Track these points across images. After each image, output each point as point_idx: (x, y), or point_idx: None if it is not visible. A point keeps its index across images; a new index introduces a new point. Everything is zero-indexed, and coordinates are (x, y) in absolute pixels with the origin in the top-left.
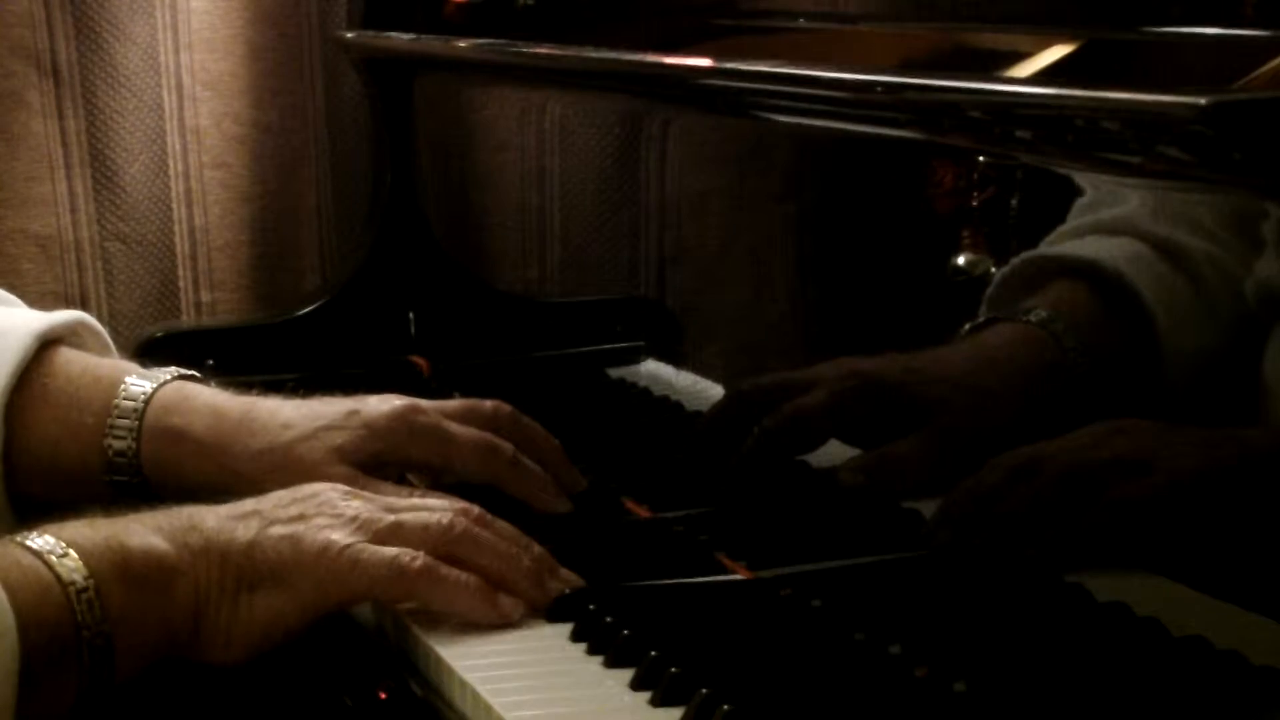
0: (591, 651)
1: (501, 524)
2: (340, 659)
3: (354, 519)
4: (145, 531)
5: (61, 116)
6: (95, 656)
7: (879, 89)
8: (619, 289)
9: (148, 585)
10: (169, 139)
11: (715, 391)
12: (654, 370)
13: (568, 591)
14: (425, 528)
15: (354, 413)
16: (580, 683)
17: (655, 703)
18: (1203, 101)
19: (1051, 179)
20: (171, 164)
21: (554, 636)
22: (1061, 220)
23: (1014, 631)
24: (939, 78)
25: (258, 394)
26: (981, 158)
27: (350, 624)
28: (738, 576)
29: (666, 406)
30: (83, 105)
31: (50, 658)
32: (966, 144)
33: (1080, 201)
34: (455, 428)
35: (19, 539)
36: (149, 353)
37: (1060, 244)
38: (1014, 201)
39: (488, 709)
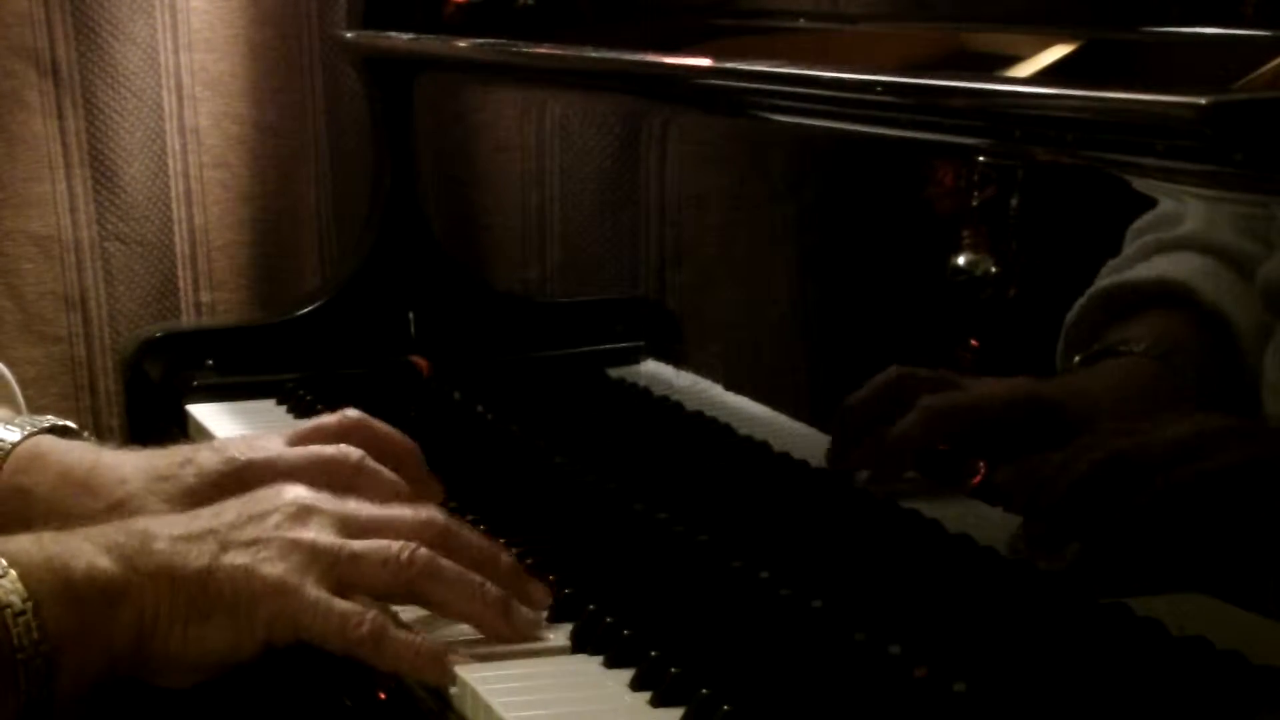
0: (591, 651)
1: (469, 535)
2: (340, 659)
3: (311, 548)
4: (94, 551)
5: (61, 116)
6: (32, 678)
7: (879, 89)
8: (619, 289)
9: (90, 606)
10: (169, 139)
11: (715, 391)
12: (654, 370)
13: (535, 611)
14: (385, 563)
15: (187, 462)
16: (580, 683)
17: (655, 703)
18: (1203, 101)
19: (1051, 179)
20: (171, 164)
21: (554, 636)
22: (1062, 220)
23: (1014, 631)
24: (939, 78)
25: (114, 446)
26: (981, 158)
27: None
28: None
29: (666, 406)
30: (82, 105)
31: None
32: (966, 144)
33: (1137, 224)
34: (289, 454)
35: None
36: (149, 353)
37: (1128, 271)
38: (1014, 201)
39: (487, 709)
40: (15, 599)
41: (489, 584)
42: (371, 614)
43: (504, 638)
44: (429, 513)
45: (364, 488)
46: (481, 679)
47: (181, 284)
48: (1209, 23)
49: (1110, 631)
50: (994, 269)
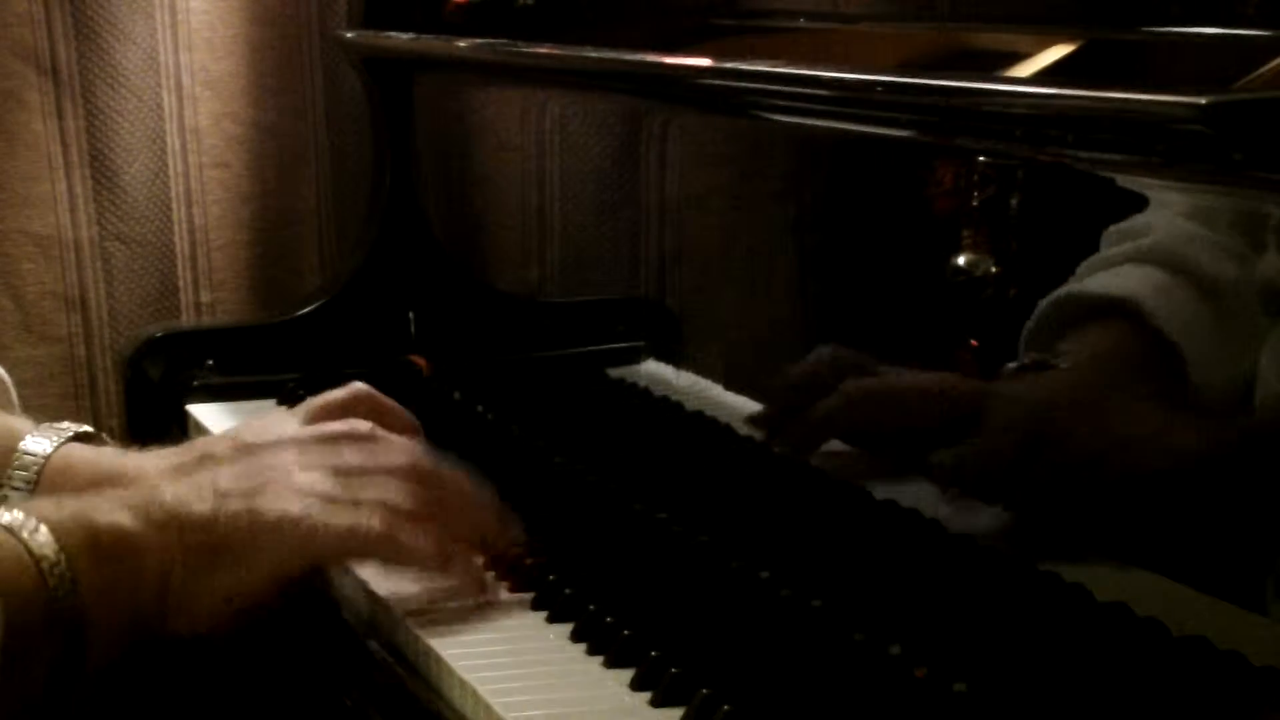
0: (591, 651)
1: (448, 474)
2: (340, 659)
3: (310, 490)
4: (111, 508)
5: (61, 116)
6: (67, 630)
7: (879, 89)
8: (619, 289)
9: (115, 560)
10: (169, 139)
11: (715, 391)
12: (654, 370)
13: (529, 562)
14: (382, 504)
15: (206, 457)
16: (580, 683)
17: (655, 703)
18: (1203, 101)
19: (1051, 179)
20: (171, 164)
21: (554, 636)
22: (1061, 219)
23: (1014, 631)
24: (939, 78)
25: (136, 450)
26: (981, 158)
27: (349, 624)
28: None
29: (666, 406)
30: (82, 105)
31: (26, 632)
32: (966, 144)
33: (1111, 230)
34: (301, 434)
35: None
36: (149, 353)
37: (1092, 277)
38: (1014, 201)
39: (487, 709)
40: (49, 551)
41: (450, 553)
42: (377, 516)
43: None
44: (414, 454)
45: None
46: (481, 678)
47: (181, 284)
48: (1209, 23)
49: (1110, 631)
50: (994, 269)
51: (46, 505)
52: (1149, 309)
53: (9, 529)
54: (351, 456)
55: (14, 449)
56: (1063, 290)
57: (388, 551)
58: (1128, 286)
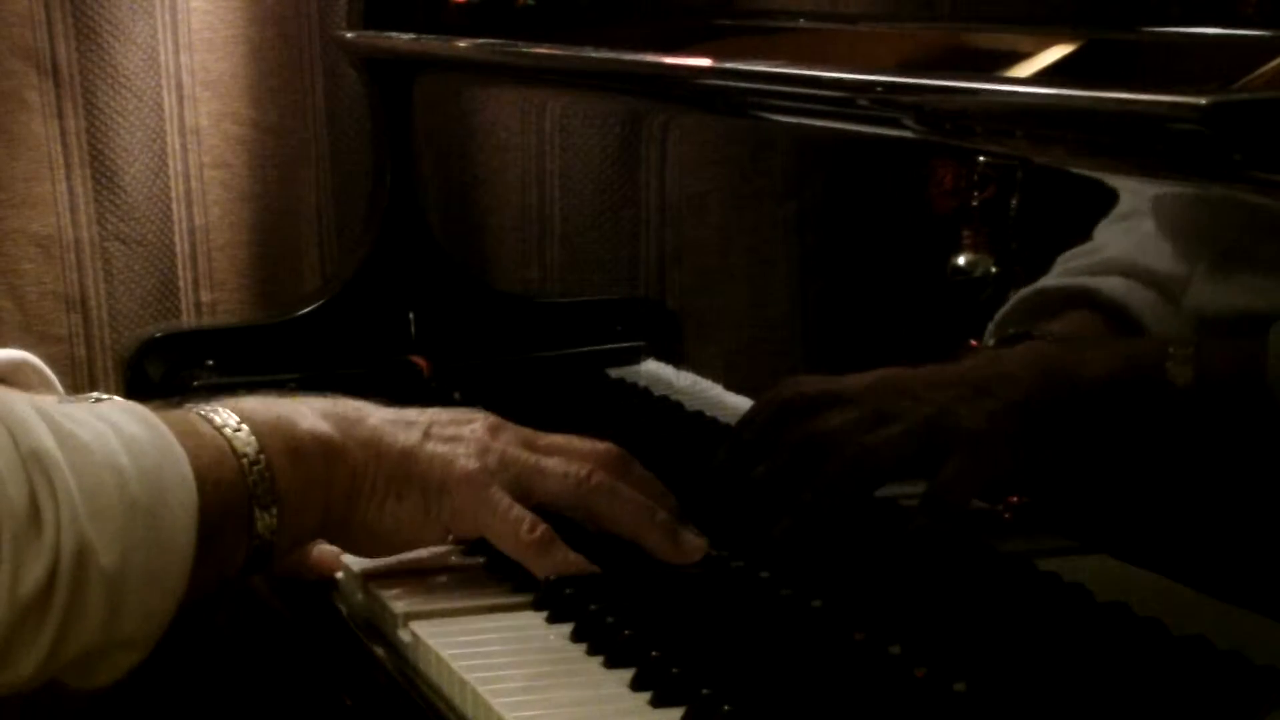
0: (591, 651)
1: (640, 470)
2: (340, 659)
3: (502, 454)
4: (314, 416)
5: (61, 116)
6: (263, 525)
7: (879, 89)
8: (619, 289)
9: (313, 465)
10: (169, 139)
11: (715, 391)
12: (654, 370)
13: (699, 548)
14: (566, 476)
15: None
16: (580, 683)
17: (655, 703)
18: (1203, 101)
19: (1051, 179)
20: (171, 164)
21: (554, 637)
22: (1061, 219)
23: (1014, 631)
24: (939, 78)
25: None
26: (981, 158)
27: (349, 624)
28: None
29: (666, 406)
30: (82, 105)
31: (224, 518)
32: (966, 144)
33: (1066, 254)
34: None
35: (200, 410)
36: (149, 353)
37: (1053, 278)
38: (1014, 201)
39: (488, 709)
40: (251, 450)
41: (659, 509)
42: (543, 525)
43: (669, 557)
44: (607, 444)
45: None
46: (481, 678)
47: (181, 284)
48: (1209, 23)
49: (1110, 631)
50: (994, 269)
51: (254, 405)
52: (1123, 302)
53: (216, 427)
54: (542, 433)
55: None
56: (1031, 288)
57: (535, 557)
58: (1099, 283)
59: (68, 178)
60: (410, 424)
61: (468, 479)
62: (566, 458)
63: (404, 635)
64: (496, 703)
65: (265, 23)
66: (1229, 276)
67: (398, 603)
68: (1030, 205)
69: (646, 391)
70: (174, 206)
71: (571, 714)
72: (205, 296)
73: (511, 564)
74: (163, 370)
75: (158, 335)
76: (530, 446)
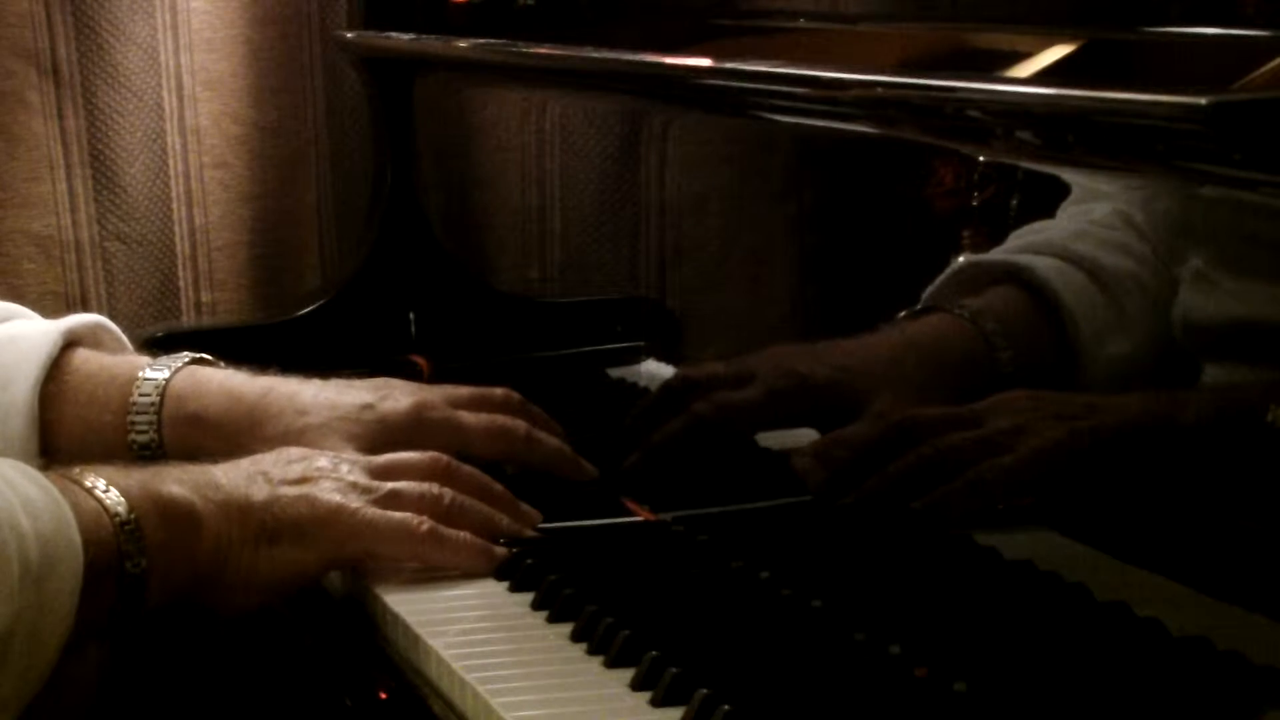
0: (591, 651)
1: (467, 470)
2: (339, 659)
3: (354, 485)
4: (171, 482)
5: (61, 116)
6: (131, 583)
7: (879, 89)
8: (619, 289)
9: (178, 526)
10: (169, 139)
11: None
12: (654, 370)
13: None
14: (421, 497)
15: (368, 406)
16: (580, 683)
17: (655, 703)
18: (1203, 101)
19: (1052, 179)
20: (171, 164)
21: (554, 637)
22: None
23: (1014, 631)
24: (939, 78)
25: (275, 374)
26: (981, 158)
27: (351, 625)
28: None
29: None
30: (83, 105)
31: (98, 579)
32: (966, 144)
33: (1015, 231)
34: (468, 417)
35: (70, 475)
36: (149, 353)
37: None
38: (1014, 201)
39: (488, 709)
40: (122, 511)
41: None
42: (424, 517)
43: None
44: (432, 455)
45: (531, 456)
46: (481, 678)
47: (181, 284)
48: (1209, 23)
49: (1110, 631)
50: None
51: (114, 473)
52: (1048, 281)
53: (88, 490)
54: (372, 457)
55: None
56: (969, 258)
57: (434, 547)
58: (1032, 261)
59: (68, 177)
60: (254, 476)
61: (336, 510)
62: (404, 474)
63: (403, 635)
64: (497, 703)
65: (265, 23)
66: (1211, 282)
67: (398, 602)
68: (1030, 205)
69: (646, 392)
70: (174, 206)
71: (571, 714)
72: (205, 296)
73: (512, 563)
74: None
75: (158, 335)
76: (369, 469)
